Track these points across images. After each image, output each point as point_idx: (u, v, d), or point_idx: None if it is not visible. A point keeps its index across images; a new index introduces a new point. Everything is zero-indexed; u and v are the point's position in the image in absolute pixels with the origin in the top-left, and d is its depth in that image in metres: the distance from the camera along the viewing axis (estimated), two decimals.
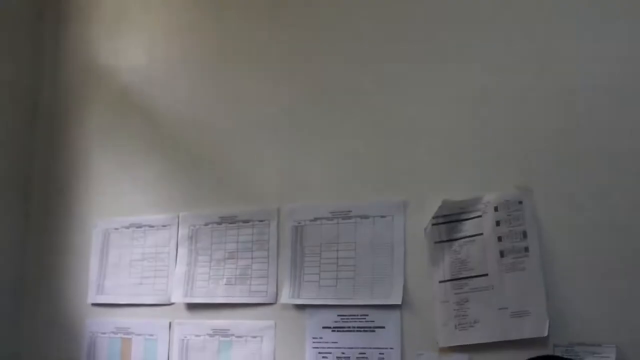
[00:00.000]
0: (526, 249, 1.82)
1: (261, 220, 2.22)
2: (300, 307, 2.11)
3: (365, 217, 2.05)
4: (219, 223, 2.28)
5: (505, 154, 1.91)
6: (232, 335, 2.20)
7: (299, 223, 2.15)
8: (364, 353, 2.00)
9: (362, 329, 2.01)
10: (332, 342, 2.04)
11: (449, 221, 1.93)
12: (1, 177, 2.61)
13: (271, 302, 2.16)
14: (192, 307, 2.30)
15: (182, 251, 2.34)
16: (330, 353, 2.04)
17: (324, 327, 2.06)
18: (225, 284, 2.24)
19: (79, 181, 2.61)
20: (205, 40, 2.44)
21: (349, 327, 2.02)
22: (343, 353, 2.03)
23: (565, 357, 1.66)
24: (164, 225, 2.39)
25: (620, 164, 1.79)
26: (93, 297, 2.50)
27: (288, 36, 2.29)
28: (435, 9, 2.08)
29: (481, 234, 1.88)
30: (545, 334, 1.76)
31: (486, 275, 1.86)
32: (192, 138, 2.40)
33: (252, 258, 2.21)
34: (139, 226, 2.44)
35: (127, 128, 2.55)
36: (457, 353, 1.88)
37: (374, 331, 1.99)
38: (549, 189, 1.84)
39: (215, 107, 2.38)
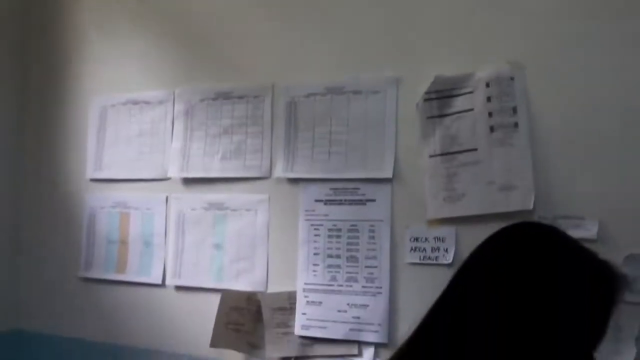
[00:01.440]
0: (515, 125, 1.84)
1: (256, 96, 2.23)
2: (294, 181, 2.16)
3: (358, 92, 2.07)
4: (214, 99, 2.30)
5: (498, 30, 1.90)
6: (227, 208, 2.26)
7: (293, 99, 2.16)
8: (355, 225, 2.05)
9: (353, 202, 2.06)
10: (324, 215, 2.09)
11: (441, 97, 1.95)
12: None
13: (265, 176, 2.20)
14: (188, 181, 2.34)
15: (178, 127, 2.36)
16: (322, 225, 2.10)
17: (316, 200, 2.11)
18: (221, 159, 2.27)
19: (75, 58, 2.62)
20: None
21: (341, 200, 2.07)
22: (334, 225, 2.08)
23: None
24: (160, 102, 2.41)
25: (613, 43, 1.78)
26: (91, 172, 2.54)
27: None
28: None
29: (472, 109, 1.90)
30: (531, 207, 1.81)
31: (475, 150, 1.89)
32: (189, 14, 2.39)
33: (246, 133, 2.24)
34: (135, 102, 2.46)
35: (123, 3, 2.52)
36: (444, 225, 1.93)
37: (364, 204, 2.04)
38: (540, 66, 1.84)
39: None
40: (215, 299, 2.22)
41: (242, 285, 2.22)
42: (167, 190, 2.38)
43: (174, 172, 2.35)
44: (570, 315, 1.09)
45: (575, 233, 1.69)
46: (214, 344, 2.20)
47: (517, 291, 1.10)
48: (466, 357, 1.08)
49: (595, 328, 1.13)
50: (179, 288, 2.35)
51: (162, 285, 2.37)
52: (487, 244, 1.22)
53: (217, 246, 2.27)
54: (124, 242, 2.46)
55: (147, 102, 2.43)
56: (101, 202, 2.52)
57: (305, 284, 2.11)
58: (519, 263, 1.14)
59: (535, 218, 1.80)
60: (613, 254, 1.67)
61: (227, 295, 2.21)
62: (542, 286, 1.10)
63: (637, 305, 1.74)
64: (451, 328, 1.13)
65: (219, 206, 2.27)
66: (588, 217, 1.78)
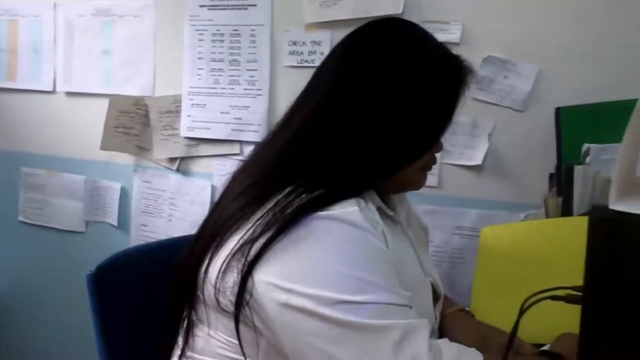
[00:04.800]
0: None
1: None
2: None
3: None
4: None
5: None
6: (114, 14, 2.28)
7: None
8: (237, 30, 2.12)
9: (235, 7, 2.11)
10: (208, 20, 2.15)
11: None
12: None
13: None
14: None
15: None
16: (206, 30, 2.15)
17: (200, 6, 2.15)
18: None
19: None
20: None
21: (224, 6, 2.12)
22: (218, 30, 2.14)
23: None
24: None
25: None
26: None
27: None
28: None
29: None
30: (400, 11, 1.91)
31: None
32: None
33: None
34: None
35: None
36: (321, 29, 2.02)
37: (246, 9, 2.09)
38: None
39: None
40: (105, 104, 2.28)
41: (130, 90, 2.28)
42: None
43: None
44: (421, 99, 1.17)
45: (440, 36, 1.79)
46: (104, 146, 2.29)
47: (371, 76, 1.16)
48: (321, 145, 1.14)
49: (442, 114, 1.23)
50: (69, 94, 2.40)
51: (53, 91, 2.42)
52: (348, 37, 1.27)
53: (106, 52, 2.31)
54: (12, 50, 2.47)
55: None
56: None
57: (190, 87, 2.19)
58: (374, 50, 1.19)
59: None
60: (474, 56, 1.81)
61: (115, 100, 2.28)
62: (394, 71, 1.16)
63: (491, 104, 1.90)
64: (308, 119, 1.17)
65: (107, 12, 2.29)
66: (453, 21, 1.89)
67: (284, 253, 1.03)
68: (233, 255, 1.06)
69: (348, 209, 1.05)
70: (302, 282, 1.00)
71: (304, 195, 1.07)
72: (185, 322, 1.19)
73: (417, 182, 1.29)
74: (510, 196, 1.89)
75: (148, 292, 1.40)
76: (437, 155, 1.30)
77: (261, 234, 1.04)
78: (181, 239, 1.59)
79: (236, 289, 1.04)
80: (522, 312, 1.00)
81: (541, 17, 1.82)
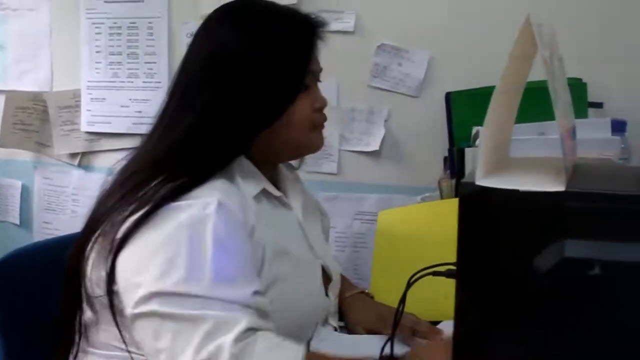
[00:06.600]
0: None
1: None
2: None
3: None
4: None
5: None
6: (8, 8, 2.23)
7: None
8: (134, 22, 2.11)
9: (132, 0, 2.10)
10: (105, 13, 2.13)
11: None
12: None
13: None
14: None
15: None
16: (103, 23, 2.14)
17: None
18: None
19: None
20: None
21: None
22: (115, 23, 2.13)
23: None
24: None
25: None
26: None
27: None
28: None
29: None
30: (295, 0, 1.92)
31: None
32: None
33: None
34: None
35: None
36: None
37: (143, 1, 2.09)
38: None
39: None
40: (1, 100, 2.23)
41: (27, 85, 2.24)
42: None
43: None
44: (271, 58, 1.19)
45: (335, 26, 1.85)
46: (1, 144, 2.25)
47: (225, 41, 1.20)
48: (184, 131, 1.16)
49: (295, 67, 1.22)
50: None
51: None
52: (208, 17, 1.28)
53: (0, 47, 2.26)
54: None
55: None
56: None
57: (89, 81, 2.17)
58: (228, 18, 1.24)
59: None
60: (368, 45, 1.87)
61: (12, 96, 2.24)
62: (243, 41, 1.19)
63: (386, 91, 1.95)
64: (174, 109, 1.21)
65: (1, 7, 2.24)
66: (347, 10, 1.93)
67: (135, 245, 1.06)
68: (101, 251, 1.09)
69: (204, 199, 1.07)
70: (135, 274, 1.04)
71: (169, 185, 1.09)
72: (79, 317, 1.20)
73: (311, 143, 1.30)
74: (407, 180, 1.95)
75: (47, 288, 1.39)
76: (326, 115, 1.31)
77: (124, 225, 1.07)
78: (78, 234, 1.58)
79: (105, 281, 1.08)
80: (408, 286, 1.04)
81: (432, 6, 1.88)
